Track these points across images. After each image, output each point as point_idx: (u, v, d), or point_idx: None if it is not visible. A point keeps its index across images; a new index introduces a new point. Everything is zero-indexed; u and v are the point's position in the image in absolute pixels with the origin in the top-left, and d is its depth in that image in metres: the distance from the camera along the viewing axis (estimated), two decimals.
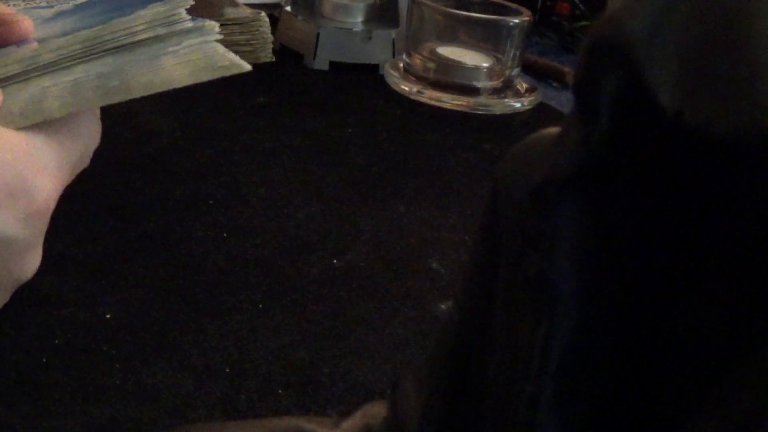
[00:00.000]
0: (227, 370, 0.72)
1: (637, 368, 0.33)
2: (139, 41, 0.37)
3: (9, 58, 0.37)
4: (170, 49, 0.37)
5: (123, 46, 0.37)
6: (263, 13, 1.45)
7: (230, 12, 1.39)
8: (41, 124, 0.35)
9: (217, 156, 1.11)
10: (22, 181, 0.32)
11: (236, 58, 0.39)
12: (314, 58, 1.47)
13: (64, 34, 0.37)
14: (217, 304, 0.81)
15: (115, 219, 0.93)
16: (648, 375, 0.32)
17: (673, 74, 0.26)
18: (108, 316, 0.77)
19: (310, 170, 1.11)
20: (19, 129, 0.34)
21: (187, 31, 0.38)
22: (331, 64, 1.47)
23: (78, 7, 0.41)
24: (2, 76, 0.36)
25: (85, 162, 0.37)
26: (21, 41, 0.39)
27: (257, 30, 1.43)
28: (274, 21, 1.49)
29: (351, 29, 1.49)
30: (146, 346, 0.74)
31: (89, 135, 0.37)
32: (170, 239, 0.91)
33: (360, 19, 1.52)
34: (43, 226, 0.33)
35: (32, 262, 0.34)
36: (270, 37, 1.46)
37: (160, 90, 0.37)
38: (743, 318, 0.29)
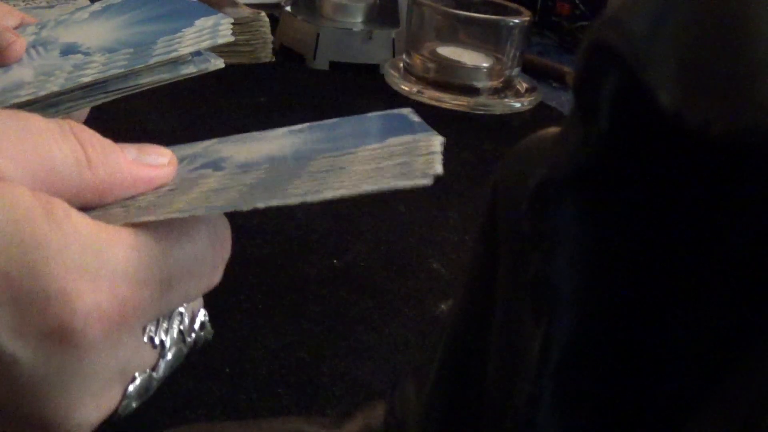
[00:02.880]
0: (227, 370, 0.72)
1: (637, 368, 0.33)
2: None
3: (53, 75, 0.37)
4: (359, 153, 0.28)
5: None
6: (263, 13, 1.45)
7: (230, 12, 1.39)
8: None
9: None
10: (37, 281, 0.21)
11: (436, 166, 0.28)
12: (314, 58, 1.46)
13: (103, 49, 0.37)
14: (217, 304, 0.81)
15: None
16: (648, 375, 0.32)
17: (672, 74, 0.26)
18: None
19: None
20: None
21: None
22: (331, 64, 1.47)
23: (109, 9, 0.41)
24: (44, 94, 0.35)
25: (204, 283, 0.27)
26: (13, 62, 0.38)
27: (257, 30, 1.43)
28: (274, 21, 1.49)
29: (351, 29, 1.49)
30: None
31: (211, 242, 0.26)
32: None
33: (360, 19, 1.52)
34: (74, 357, 0.22)
35: (65, 408, 0.23)
36: (270, 37, 1.46)
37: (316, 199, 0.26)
38: (743, 318, 0.29)
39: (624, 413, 0.33)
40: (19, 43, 0.39)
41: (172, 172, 0.27)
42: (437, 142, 0.28)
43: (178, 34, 0.37)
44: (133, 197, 0.26)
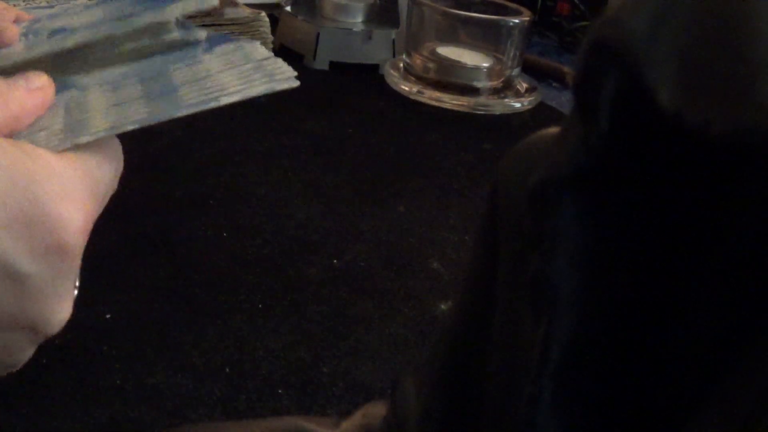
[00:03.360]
0: (227, 370, 0.72)
1: (637, 368, 0.33)
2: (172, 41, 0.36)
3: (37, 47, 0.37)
4: (206, 55, 0.35)
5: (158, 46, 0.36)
6: (263, 13, 1.44)
7: (230, 12, 1.39)
8: (69, 149, 0.30)
9: (217, 156, 1.11)
10: (41, 209, 0.26)
11: (280, 62, 0.34)
12: (314, 58, 1.46)
13: (92, 24, 0.38)
14: (217, 304, 0.81)
15: (115, 219, 0.93)
16: (648, 375, 0.32)
17: (672, 74, 0.26)
18: (108, 316, 0.77)
19: (310, 170, 1.11)
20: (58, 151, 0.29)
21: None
22: (331, 64, 1.47)
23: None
24: (31, 58, 0.36)
25: (113, 189, 0.33)
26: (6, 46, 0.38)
27: (257, 30, 1.43)
28: (274, 21, 1.49)
29: (351, 29, 1.49)
30: (146, 346, 0.74)
31: (118, 159, 0.33)
32: (170, 239, 0.91)
33: (360, 19, 1.52)
34: (67, 266, 0.28)
35: (55, 309, 0.29)
36: (270, 37, 1.46)
37: (211, 106, 0.32)
38: (743, 318, 0.29)
39: (624, 413, 0.33)
40: (12, 29, 0.40)
41: (53, 91, 0.32)
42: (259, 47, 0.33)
43: (165, 6, 0.37)
44: (36, 124, 0.30)
